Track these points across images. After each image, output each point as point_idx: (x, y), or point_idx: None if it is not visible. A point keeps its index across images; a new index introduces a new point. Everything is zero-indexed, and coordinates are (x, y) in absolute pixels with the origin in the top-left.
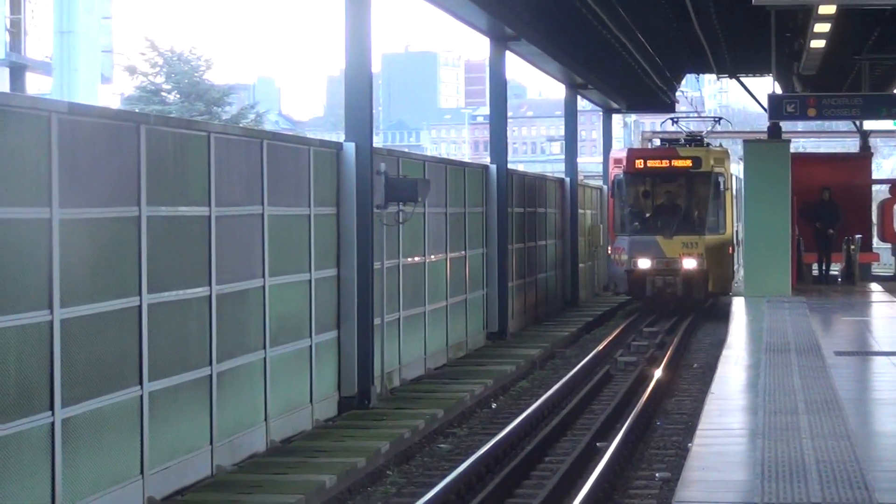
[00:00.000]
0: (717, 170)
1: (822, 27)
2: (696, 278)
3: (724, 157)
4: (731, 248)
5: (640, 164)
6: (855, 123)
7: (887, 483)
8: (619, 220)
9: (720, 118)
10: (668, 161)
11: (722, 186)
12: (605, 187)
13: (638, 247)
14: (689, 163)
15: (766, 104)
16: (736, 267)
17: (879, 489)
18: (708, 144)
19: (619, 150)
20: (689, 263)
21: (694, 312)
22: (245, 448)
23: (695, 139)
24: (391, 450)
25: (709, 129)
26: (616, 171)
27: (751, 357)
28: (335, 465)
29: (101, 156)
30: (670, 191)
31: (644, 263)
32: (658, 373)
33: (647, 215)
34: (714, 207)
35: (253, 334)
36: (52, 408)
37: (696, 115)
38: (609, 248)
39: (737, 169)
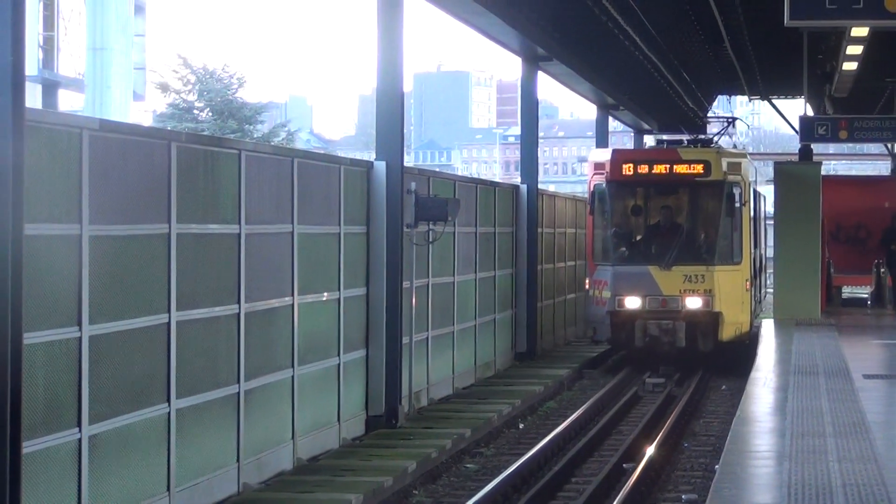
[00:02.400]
0: (731, 178)
1: (855, 49)
2: (704, 323)
3: (740, 161)
4: (748, 283)
5: (628, 169)
6: (887, 146)
7: None
8: (601, 244)
9: (735, 118)
10: (666, 166)
11: (738, 201)
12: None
13: (625, 281)
14: (695, 168)
15: (797, 126)
16: (754, 306)
17: None
18: (719, 148)
19: (601, 152)
20: (694, 303)
21: (702, 369)
22: (272, 466)
23: (703, 141)
24: (418, 469)
25: (719, 131)
26: (597, 180)
27: (779, 379)
28: (362, 484)
29: (131, 173)
30: (669, 206)
31: (633, 303)
32: (686, 395)
33: (638, 238)
34: (728, 228)
35: (281, 352)
36: (79, 424)
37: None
38: (587, 281)
39: (753, 175)
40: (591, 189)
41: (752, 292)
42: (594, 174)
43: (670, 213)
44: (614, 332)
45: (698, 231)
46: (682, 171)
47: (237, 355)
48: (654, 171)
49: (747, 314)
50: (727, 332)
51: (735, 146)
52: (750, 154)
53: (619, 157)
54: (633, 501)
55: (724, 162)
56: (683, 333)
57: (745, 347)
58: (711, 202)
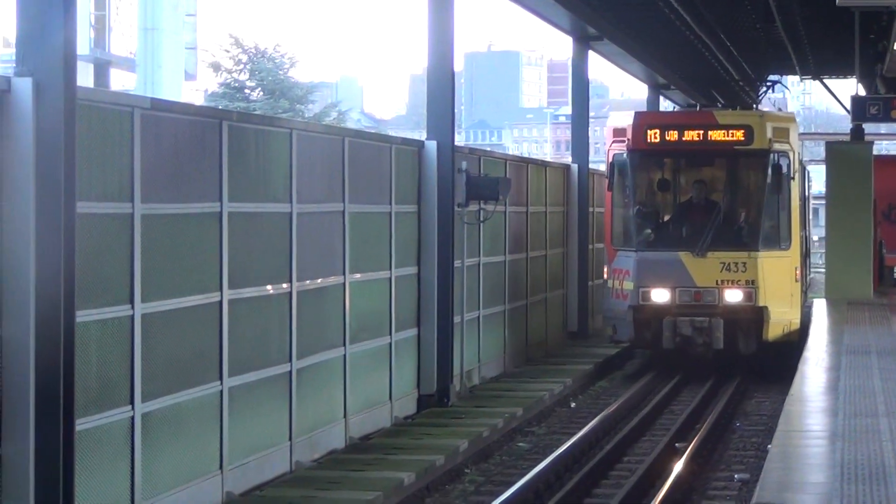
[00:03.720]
0: (778, 146)
1: None
2: (745, 321)
3: (788, 126)
4: (797, 271)
5: (654, 136)
6: None
7: None
8: (622, 226)
9: (776, 81)
10: (700, 132)
11: (787, 173)
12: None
13: (651, 269)
14: (734, 135)
15: (849, 106)
16: (805, 299)
17: None
18: (763, 111)
19: (621, 115)
20: (734, 296)
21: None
22: (324, 445)
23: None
24: (470, 448)
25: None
26: (617, 149)
27: (831, 359)
28: (413, 462)
29: (183, 152)
30: (703, 180)
31: (661, 296)
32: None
33: (667, 219)
34: (774, 207)
35: (333, 331)
36: (132, 402)
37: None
38: (605, 269)
39: (801, 143)
40: (610, 160)
41: (803, 282)
42: (613, 142)
43: (705, 189)
44: (638, 332)
45: (738, 210)
46: (719, 139)
47: (289, 334)
48: (685, 139)
49: (797, 309)
50: (773, 331)
51: (780, 110)
52: (801, 134)
53: (643, 121)
54: (685, 481)
55: (770, 127)
56: (721, 333)
57: (795, 348)
58: (754, 175)
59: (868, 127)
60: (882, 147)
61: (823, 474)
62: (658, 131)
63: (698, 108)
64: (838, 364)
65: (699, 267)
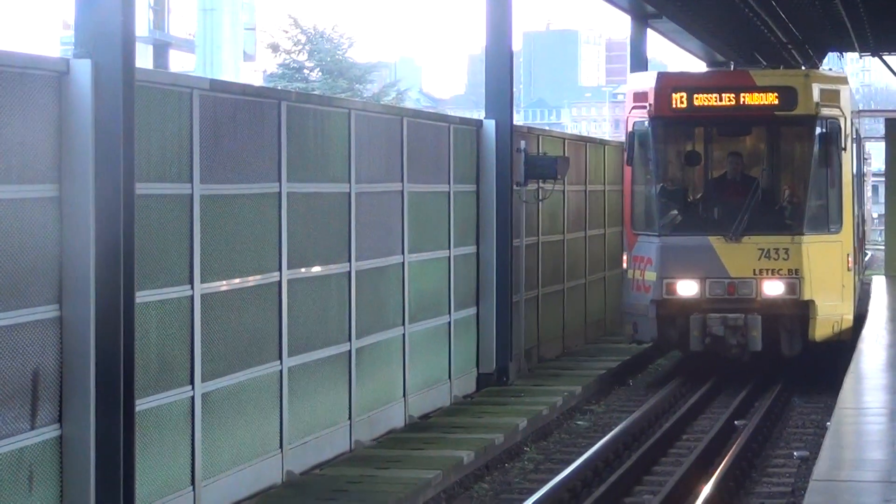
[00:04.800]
0: (827, 111)
1: None
2: (788, 317)
3: (839, 87)
4: (850, 259)
5: (680, 101)
6: None
7: None
8: (644, 207)
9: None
10: (734, 96)
11: (838, 143)
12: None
13: (677, 257)
14: (773, 98)
15: None
16: (859, 290)
17: None
18: (808, 70)
19: (642, 77)
20: (775, 289)
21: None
22: (383, 424)
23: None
24: (529, 426)
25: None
26: (637, 116)
27: (891, 336)
28: (473, 440)
29: (242, 132)
30: (739, 152)
31: (688, 288)
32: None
33: (696, 198)
34: (822, 183)
35: (392, 311)
36: (192, 382)
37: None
38: (624, 257)
39: (855, 108)
40: (630, 129)
41: (856, 271)
42: (633, 108)
43: (740, 163)
44: (661, 331)
45: (780, 187)
46: (756, 103)
47: (348, 313)
48: (717, 104)
49: (849, 302)
50: (821, 330)
51: (831, 69)
52: (861, 111)
53: (668, 83)
54: (744, 458)
55: (817, 89)
56: (759, 332)
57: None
58: (799, 145)
59: None
60: None
61: (882, 452)
62: (685, 95)
63: (732, 67)
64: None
65: (733, 254)
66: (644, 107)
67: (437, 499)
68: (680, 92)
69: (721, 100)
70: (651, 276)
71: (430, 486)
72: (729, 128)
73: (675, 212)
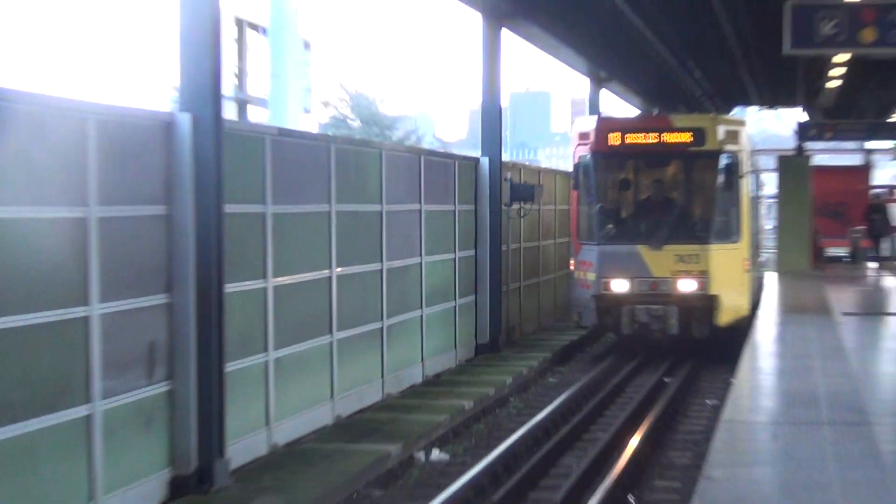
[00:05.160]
0: (729, 148)
1: (837, 72)
2: (698, 307)
3: (739, 128)
4: (747, 262)
5: (615, 139)
6: (861, 143)
7: (878, 408)
8: (586, 222)
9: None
10: (657, 135)
11: (737, 172)
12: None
13: (612, 261)
14: (688, 137)
15: (794, 129)
16: (755, 287)
17: (872, 413)
18: (715, 114)
19: (586, 120)
20: (688, 286)
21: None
22: (407, 380)
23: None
24: (513, 382)
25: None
26: (581, 151)
27: (779, 316)
28: (472, 393)
29: (302, 166)
30: (660, 179)
31: (620, 286)
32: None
33: (627, 215)
34: (725, 204)
35: (413, 298)
36: (266, 350)
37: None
38: (571, 261)
39: (752, 145)
40: (576, 161)
41: (752, 273)
42: (578, 145)
43: (662, 187)
44: (600, 318)
45: (693, 207)
46: (674, 140)
47: (381, 300)
48: (643, 141)
49: (746, 296)
50: (725, 317)
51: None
52: (755, 150)
53: (605, 125)
54: (673, 405)
55: (721, 129)
56: (676, 319)
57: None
58: (707, 174)
59: (808, 144)
60: (817, 159)
61: (773, 401)
62: (618, 134)
63: (654, 112)
64: (785, 320)
65: (656, 259)
66: (587, 144)
67: (446, 434)
68: (615, 132)
69: (646, 138)
70: (591, 276)
71: (441, 426)
72: (652, 160)
73: (611, 226)
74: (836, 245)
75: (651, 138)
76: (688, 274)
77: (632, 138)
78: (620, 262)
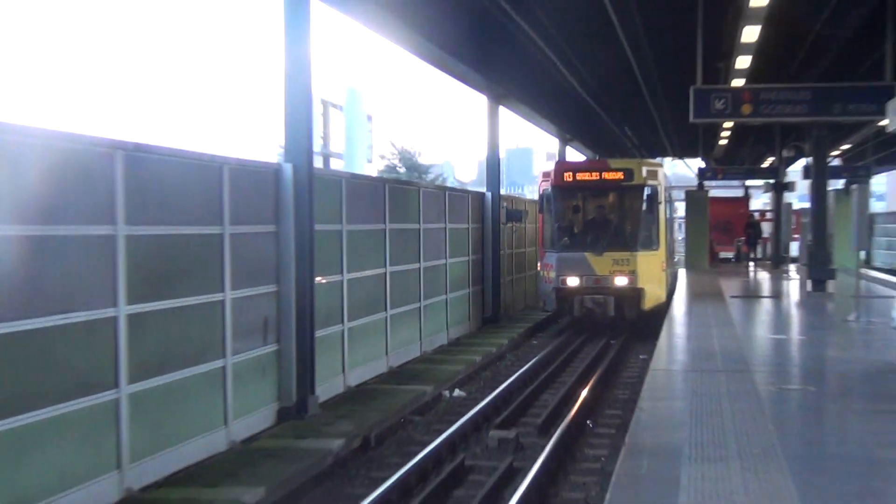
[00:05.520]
0: (650, 182)
1: (725, 133)
2: (629, 296)
3: (657, 168)
4: (663, 265)
5: (568, 177)
6: (742, 182)
7: (757, 361)
8: (549, 235)
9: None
10: (598, 174)
11: (656, 200)
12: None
13: (566, 264)
14: (620, 175)
15: (696, 172)
16: (670, 282)
17: (753, 364)
18: (640, 159)
19: (548, 164)
20: (621, 281)
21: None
22: (437, 342)
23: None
24: (509, 344)
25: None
26: (545, 186)
27: (687, 298)
28: (480, 350)
29: (366, 198)
30: (601, 205)
31: (573, 281)
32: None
33: (577, 231)
34: (647, 222)
35: (440, 286)
36: (342, 322)
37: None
38: (539, 264)
39: (667, 181)
40: (541, 193)
41: (668, 273)
42: (542, 181)
43: (602, 211)
44: (559, 304)
45: (624, 224)
46: (610, 177)
47: (419, 287)
48: (588, 178)
49: (664, 288)
50: (648, 304)
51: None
52: (670, 186)
53: (561, 167)
54: (615, 359)
55: (644, 169)
56: (612, 305)
57: (662, 316)
58: (634, 202)
59: (706, 182)
60: (713, 192)
61: (683, 356)
62: (571, 173)
63: (598, 157)
64: (691, 301)
65: (598, 262)
66: (548, 180)
67: (463, 379)
68: (568, 171)
69: (591, 176)
70: (552, 274)
71: (459, 373)
72: (595, 191)
73: (566, 238)
74: (725, 250)
75: (594, 176)
76: (621, 273)
77: (580, 176)
78: (573, 265)
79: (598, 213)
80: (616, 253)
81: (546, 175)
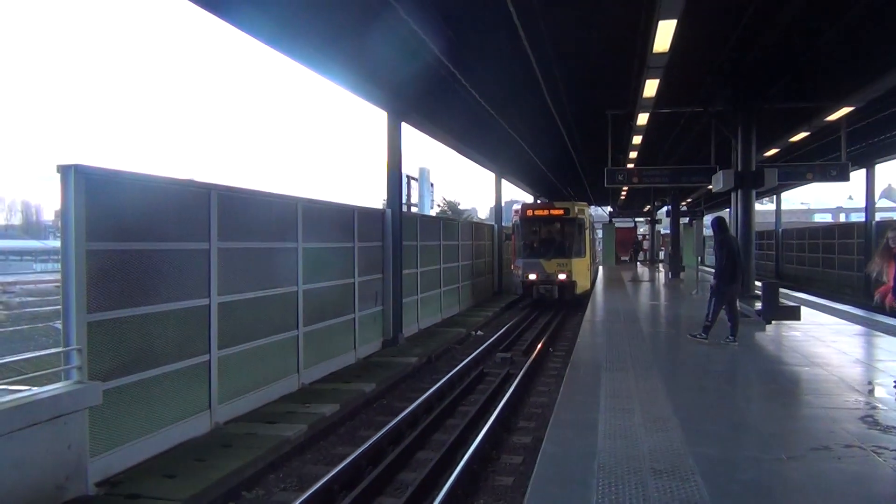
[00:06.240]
0: (580, 216)
1: (624, 193)
2: (566, 286)
3: (584, 207)
4: (588, 267)
5: (530, 213)
6: (633, 218)
7: (641, 315)
8: (518, 248)
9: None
10: (548, 211)
11: (583, 226)
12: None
13: (529, 266)
14: (562, 211)
15: (608, 212)
16: (593, 277)
17: (639, 316)
18: (574, 201)
19: (517, 205)
20: (562, 277)
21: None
22: (450, 312)
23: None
24: (492, 317)
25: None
26: (516, 218)
27: (603, 282)
28: (472, 322)
29: (431, 230)
30: (550, 230)
31: (532, 276)
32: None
33: (535, 245)
34: (578, 240)
35: (462, 278)
36: (417, 294)
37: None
38: (512, 265)
39: (591, 215)
40: (514, 222)
41: (591, 271)
42: (514, 215)
43: (550, 234)
44: (524, 291)
45: (565, 241)
46: (555, 213)
47: (439, 279)
48: (542, 213)
49: (588, 282)
50: (578, 290)
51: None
52: (593, 220)
53: (526, 206)
54: (560, 324)
55: (576, 207)
56: (557, 292)
57: (588, 296)
58: (570, 227)
59: (615, 220)
60: (617, 223)
61: (602, 337)
62: (531, 210)
63: (547, 200)
64: (606, 283)
65: (548, 265)
66: (518, 213)
67: (466, 339)
68: (529, 209)
69: (544, 212)
70: (520, 272)
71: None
72: (546, 222)
73: (528, 250)
74: (623, 255)
75: (545, 212)
76: (562, 271)
77: (538, 212)
78: (532, 267)
79: (547, 235)
80: (559, 259)
81: (516, 212)
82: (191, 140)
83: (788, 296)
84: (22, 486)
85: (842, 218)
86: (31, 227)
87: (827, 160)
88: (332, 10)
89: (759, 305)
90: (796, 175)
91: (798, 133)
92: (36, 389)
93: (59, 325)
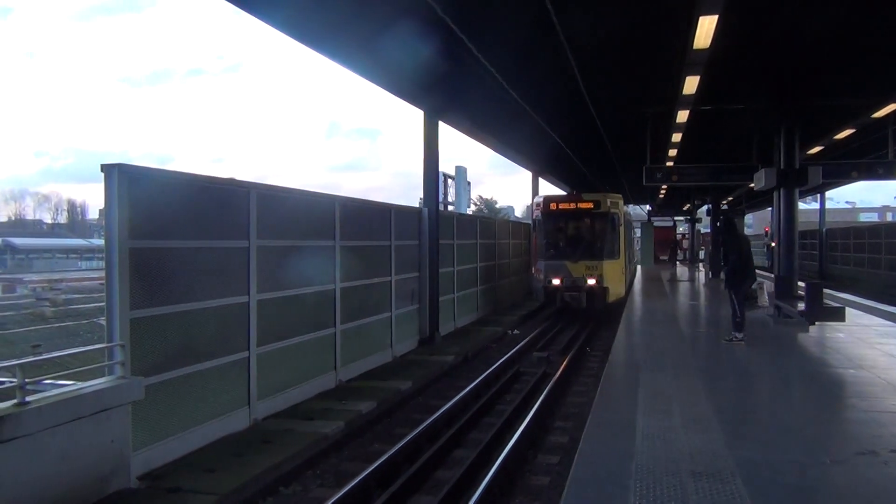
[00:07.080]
0: (612, 211)
1: (663, 191)
2: (596, 293)
3: (618, 200)
4: (622, 270)
5: (553, 206)
6: (672, 218)
7: (679, 316)
8: (540, 248)
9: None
10: (575, 204)
11: (617, 223)
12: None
13: (552, 269)
14: (591, 205)
15: (647, 211)
16: (628, 282)
17: (678, 317)
18: (606, 192)
19: (539, 197)
20: (592, 281)
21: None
22: (485, 311)
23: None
24: (518, 320)
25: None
26: (537, 213)
27: (640, 287)
28: (504, 322)
29: (468, 228)
30: (577, 226)
31: (556, 281)
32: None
33: (560, 244)
34: (610, 239)
35: (498, 276)
36: (453, 293)
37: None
38: (532, 268)
39: (625, 209)
40: (534, 218)
41: (626, 275)
42: (535, 209)
43: (577, 231)
44: (547, 298)
45: (595, 240)
46: (584, 206)
47: (476, 277)
48: (568, 207)
49: (623, 288)
50: (611, 298)
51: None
52: (629, 215)
53: (548, 199)
54: (592, 333)
55: (608, 200)
56: (584, 299)
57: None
58: (601, 223)
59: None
60: (656, 223)
61: (640, 337)
62: (556, 203)
63: (574, 192)
64: (643, 287)
65: (575, 268)
66: (539, 207)
67: (503, 338)
68: (553, 202)
69: (570, 205)
70: (542, 276)
71: (499, 334)
72: (572, 217)
73: (551, 251)
74: (662, 255)
75: (571, 205)
76: (591, 275)
77: (562, 206)
78: (556, 269)
79: (574, 233)
80: (588, 261)
81: (537, 205)
82: (225, 139)
83: (832, 296)
84: (68, 478)
85: (888, 217)
86: (76, 226)
87: (873, 158)
88: (373, 5)
89: (802, 306)
90: (841, 173)
91: (843, 130)
92: (80, 384)
93: (103, 321)
